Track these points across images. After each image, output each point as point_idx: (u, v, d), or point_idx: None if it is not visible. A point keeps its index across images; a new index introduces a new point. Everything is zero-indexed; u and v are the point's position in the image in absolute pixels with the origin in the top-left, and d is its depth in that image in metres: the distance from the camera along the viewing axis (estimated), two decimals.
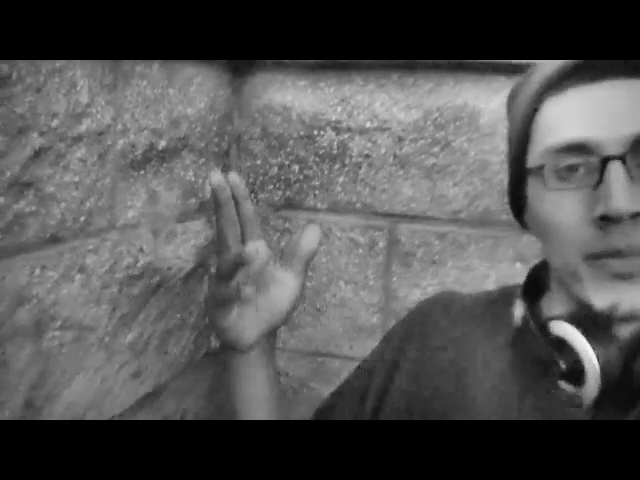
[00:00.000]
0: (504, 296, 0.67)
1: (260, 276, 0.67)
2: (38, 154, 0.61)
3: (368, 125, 1.07)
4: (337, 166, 1.09)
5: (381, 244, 1.09)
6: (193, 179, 0.95)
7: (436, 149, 1.05)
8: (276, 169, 1.12)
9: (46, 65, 0.61)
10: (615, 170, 0.50)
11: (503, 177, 0.99)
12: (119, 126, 0.74)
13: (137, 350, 0.81)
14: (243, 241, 0.67)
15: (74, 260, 0.67)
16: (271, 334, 0.69)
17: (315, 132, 1.09)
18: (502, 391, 0.60)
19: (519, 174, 0.60)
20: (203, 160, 0.98)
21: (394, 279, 1.09)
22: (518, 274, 0.86)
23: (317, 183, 1.10)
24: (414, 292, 1.08)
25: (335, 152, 1.09)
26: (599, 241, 0.52)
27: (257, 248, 0.62)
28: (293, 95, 1.10)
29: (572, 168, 0.53)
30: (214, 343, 1.06)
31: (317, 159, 1.10)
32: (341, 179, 1.09)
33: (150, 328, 0.84)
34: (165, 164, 0.86)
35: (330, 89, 1.08)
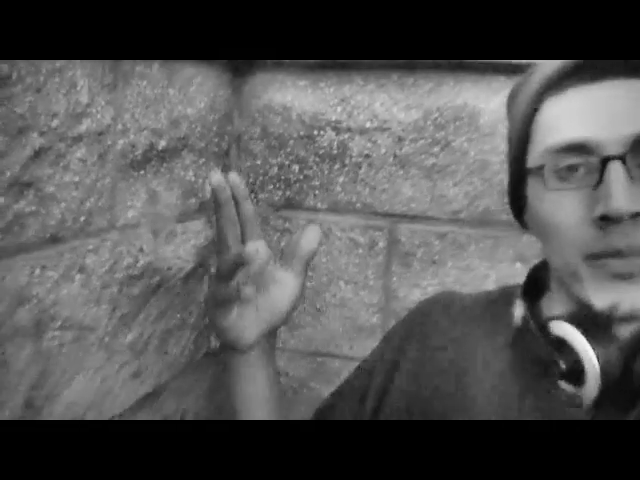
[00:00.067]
0: (504, 296, 0.67)
1: (260, 276, 0.67)
2: (38, 154, 0.61)
3: (368, 125, 1.07)
4: (337, 166, 1.09)
5: (381, 244, 1.09)
6: (193, 179, 0.95)
7: (436, 149, 1.05)
8: (276, 169, 1.12)
9: (46, 65, 0.61)
10: (615, 170, 0.50)
11: (503, 177, 0.99)
12: (119, 126, 0.74)
13: (137, 350, 0.81)
14: (243, 241, 0.67)
15: (74, 260, 0.67)
16: (271, 334, 0.69)
17: (315, 132, 1.09)
18: (502, 391, 0.60)
19: (519, 174, 0.60)
20: (203, 160, 0.98)
21: (394, 279, 1.09)
22: (518, 274, 0.86)
23: (317, 183, 1.10)
24: (414, 292, 1.08)
25: (335, 152, 1.09)
26: (599, 241, 0.52)
27: (257, 248, 0.62)
28: (293, 95, 1.10)
29: (572, 168, 0.53)
30: (214, 343, 1.06)
31: (317, 159, 1.10)
32: (341, 179, 1.09)
33: (150, 328, 0.84)
34: (165, 164, 0.86)
35: (330, 89, 1.08)
